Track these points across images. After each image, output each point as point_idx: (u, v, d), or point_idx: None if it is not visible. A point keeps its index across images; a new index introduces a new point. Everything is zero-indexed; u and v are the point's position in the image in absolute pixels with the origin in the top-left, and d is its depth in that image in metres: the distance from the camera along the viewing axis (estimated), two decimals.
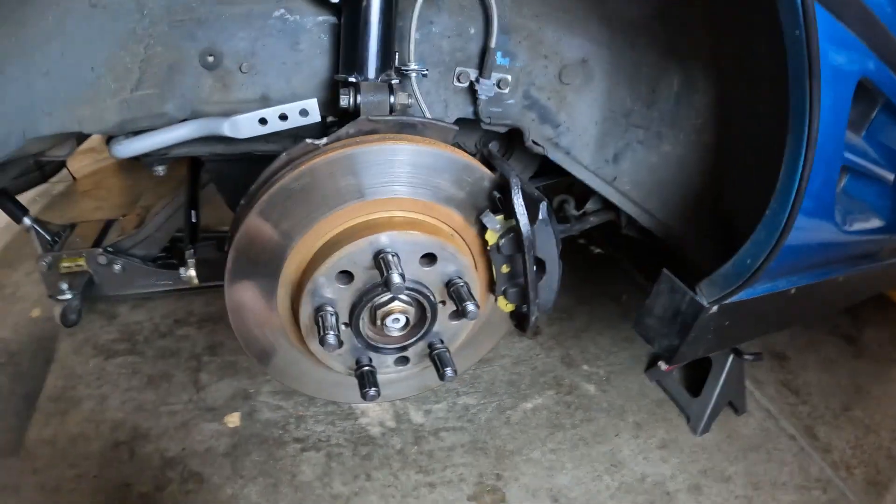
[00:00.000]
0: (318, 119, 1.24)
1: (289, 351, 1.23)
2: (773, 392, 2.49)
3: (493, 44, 1.31)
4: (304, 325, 1.09)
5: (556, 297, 1.15)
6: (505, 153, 1.58)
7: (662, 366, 2.17)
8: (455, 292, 1.07)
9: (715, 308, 1.33)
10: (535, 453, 1.83)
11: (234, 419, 1.89)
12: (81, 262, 2.08)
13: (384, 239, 1.02)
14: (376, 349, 1.14)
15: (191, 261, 1.75)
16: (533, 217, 1.05)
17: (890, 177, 1.76)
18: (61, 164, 2.70)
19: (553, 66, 1.40)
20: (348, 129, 1.08)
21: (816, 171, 1.10)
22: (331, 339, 1.02)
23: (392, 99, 1.17)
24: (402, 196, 1.05)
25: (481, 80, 1.33)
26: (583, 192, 1.67)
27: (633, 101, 1.45)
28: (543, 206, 1.05)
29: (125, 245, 2.14)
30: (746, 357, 2.04)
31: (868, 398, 2.73)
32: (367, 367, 1.11)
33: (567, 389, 2.06)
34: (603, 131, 1.47)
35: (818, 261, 1.61)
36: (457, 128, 1.13)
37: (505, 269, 1.13)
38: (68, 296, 2.03)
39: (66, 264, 2.07)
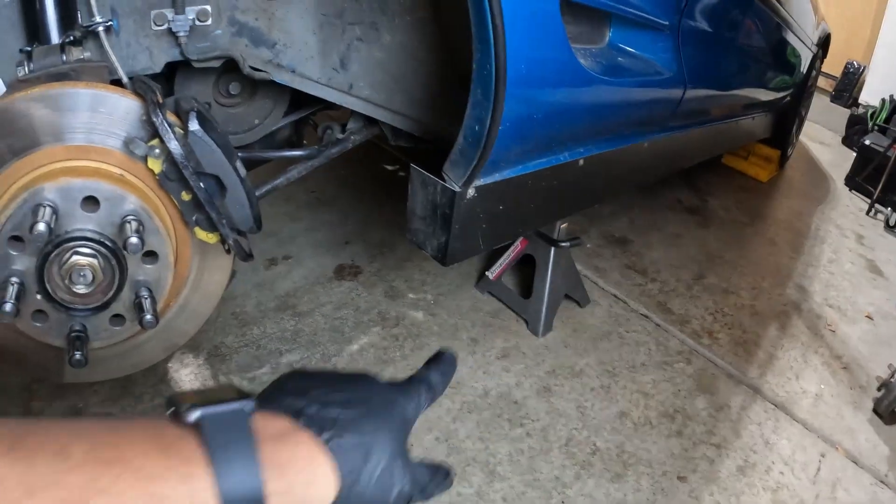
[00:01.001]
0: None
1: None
2: (618, 277, 2.52)
3: None
4: None
5: (254, 211, 1.10)
6: (249, 95, 1.51)
7: (490, 275, 2.16)
8: (129, 229, 0.98)
9: (472, 192, 1.29)
10: None
11: None
12: None
13: (42, 194, 0.93)
14: (79, 311, 1.03)
15: None
16: (185, 132, 0.99)
17: (664, 22, 1.75)
18: None
19: None
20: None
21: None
22: (8, 307, 0.92)
23: (64, 58, 1.10)
24: (53, 147, 0.98)
25: (177, 17, 1.23)
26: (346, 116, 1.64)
27: None
28: (193, 116, 0.98)
29: None
30: (563, 244, 2.00)
31: (721, 263, 2.82)
32: (74, 333, 1.01)
33: (393, 322, 2.01)
34: (323, 39, 1.39)
35: (589, 124, 1.58)
36: (106, 63, 1.07)
37: (185, 196, 1.03)
38: None
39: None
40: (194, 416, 0.52)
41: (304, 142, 1.77)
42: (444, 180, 1.30)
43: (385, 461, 0.62)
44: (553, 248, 2.00)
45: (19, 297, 0.95)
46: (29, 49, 1.11)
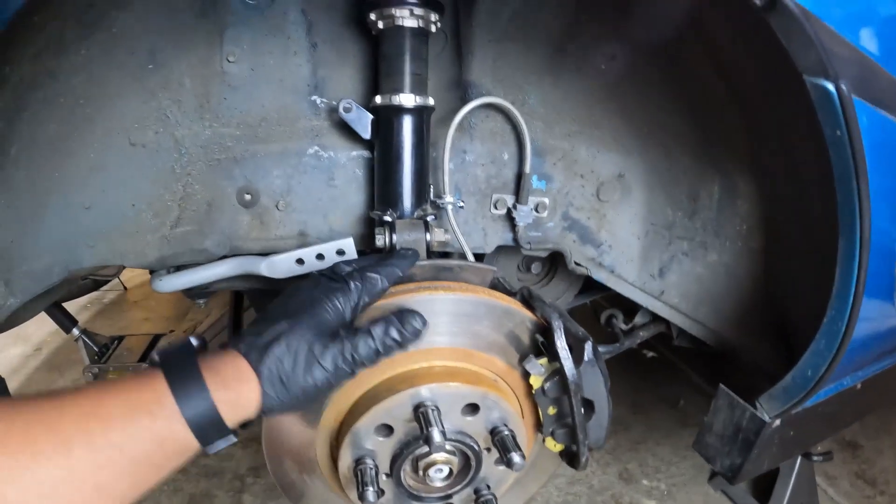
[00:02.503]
0: (355, 258, 1.23)
1: (328, 496, 1.18)
2: (847, 486, 2.31)
3: (527, 168, 1.29)
4: (343, 475, 1.05)
5: (608, 432, 1.10)
6: (547, 274, 1.54)
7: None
8: (500, 441, 1.01)
9: (778, 422, 1.25)
10: None
11: None
12: None
13: (424, 392, 0.98)
14: (420, 499, 1.09)
15: None
16: (578, 359, 1.00)
17: None
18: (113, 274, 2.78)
19: (590, 184, 1.38)
20: None
21: (874, 271, 1.03)
22: (370, 495, 0.98)
23: (428, 237, 1.15)
24: (441, 346, 1.02)
25: (519, 206, 1.31)
26: (631, 304, 1.62)
27: (674, 213, 1.40)
28: (588, 347, 1.00)
29: None
30: (815, 458, 1.92)
31: None
32: None
33: None
34: (646, 246, 1.42)
35: (884, 351, 1.49)
36: (495, 269, 1.11)
37: (552, 410, 1.07)
38: None
39: (112, 376, 2.08)
40: (155, 358, 0.81)
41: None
42: (754, 407, 1.25)
43: (302, 353, 0.84)
44: (800, 458, 1.89)
45: (373, 480, 0.97)
46: (388, 219, 1.17)
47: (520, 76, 1.32)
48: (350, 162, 1.29)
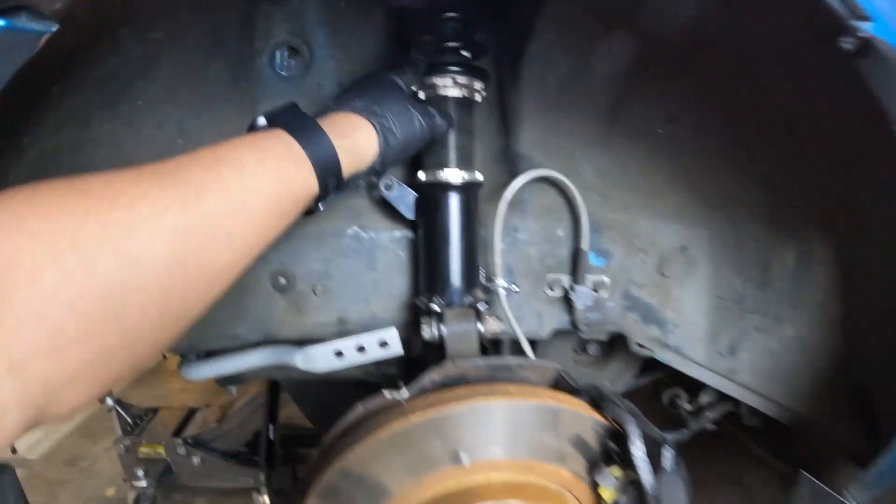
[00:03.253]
0: (400, 351, 1.13)
1: None
2: None
3: (584, 245, 1.19)
4: None
5: None
6: (605, 355, 1.42)
7: None
8: None
9: None
10: None
11: None
12: (160, 449, 2.04)
13: None
14: None
15: (264, 497, 1.65)
16: (657, 467, 0.88)
17: None
18: None
19: (651, 259, 1.27)
20: (432, 375, 0.95)
21: None
22: None
23: (480, 327, 1.04)
24: (499, 459, 0.90)
25: (576, 286, 1.20)
26: (694, 380, 1.49)
27: (744, 285, 1.28)
28: (669, 455, 0.87)
29: (206, 438, 2.10)
30: None
31: None
32: None
33: None
34: (714, 322, 1.30)
35: None
36: (558, 366, 0.99)
37: None
38: (144, 483, 2.03)
39: (144, 450, 2.05)
40: (260, 120, 0.84)
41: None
42: (841, 495, 1.11)
43: (398, 108, 0.96)
44: None
45: None
46: (436, 308, 1.07)
47: (572, 145, 1.24)
48: (393, 243, 1.20)
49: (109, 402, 2.06)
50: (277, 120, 0.82)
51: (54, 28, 0.63)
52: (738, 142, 1.18)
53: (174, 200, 0.61)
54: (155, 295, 0.59)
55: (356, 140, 0.89)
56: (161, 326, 0.62)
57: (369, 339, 1.12)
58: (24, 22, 0.60)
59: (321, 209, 0.88)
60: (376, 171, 0.97)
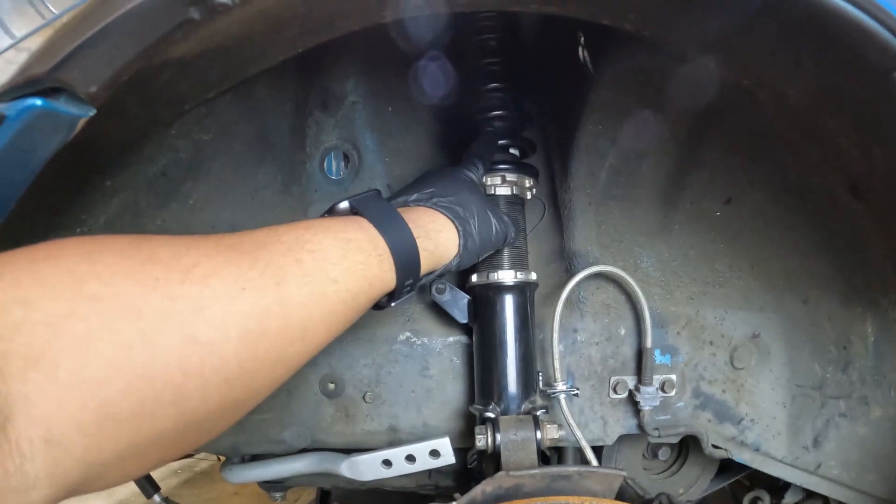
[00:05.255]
0: (452, 461, 1.07)
1: None
2: None
3: (648, 343, 1.12)
4: None
5: None
6: (677, 459, 1.32)
7: None
8: None
9: None
10: None
11: None
12: None
13: None
14: None
15: None
16: None
17: None
18: None
19: (721, 351, 1.19)
20: (485, 487, 0.88)
21: None
22: None
23: (538, 435, 0.98)
24: None
25: (642, 387, 1.12)
26: (777, 481, 1.38)
27: (823, 368, 1.20)
28: None
29: None
30: None
31: None
32: None
33: None
34: (795, 413, 1.21)
35: None
36: (623, 472, 0.91)
37: None
38: None
39: None
40: (342, 204, 0.80)
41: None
42: None
43: (478, 210, 0.92)
44: None
45: None
46: (491, 415, 1.01)
47: (629, 238, 1.19)
48: (446, 349, 1.16)
49: (157, 498, 2.01)
50: (362, 208, 0.78)
51: (91, 112, 0.60)
52: (798, 211, 1.12)
53: (251, 282, 0.57)
54: (218, 381, 0.54)
55: (438, 242, 0.85)
56: (220, 415, 0.57)
57: (420, 449, 1.07)
58: (63, 104, 0.59)
59: (391, 306, 0.83)
60: (441, 274, 0.92)
